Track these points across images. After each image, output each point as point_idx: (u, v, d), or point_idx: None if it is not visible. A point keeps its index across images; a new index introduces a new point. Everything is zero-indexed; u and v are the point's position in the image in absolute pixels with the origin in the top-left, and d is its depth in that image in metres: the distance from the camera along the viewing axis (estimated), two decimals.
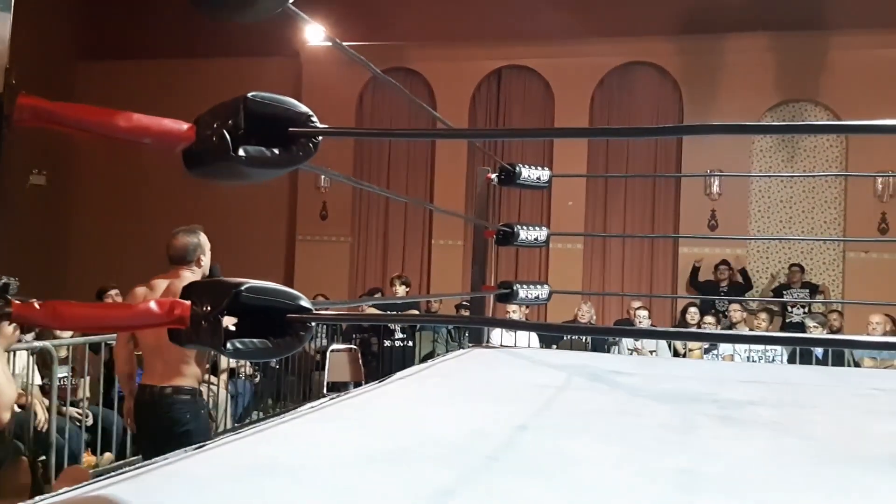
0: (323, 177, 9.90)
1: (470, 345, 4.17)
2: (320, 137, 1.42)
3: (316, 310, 1.46)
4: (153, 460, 1.61)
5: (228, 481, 1.51)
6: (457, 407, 2.48)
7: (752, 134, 8.81)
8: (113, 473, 1.51)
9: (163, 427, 3.41)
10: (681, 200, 9.29)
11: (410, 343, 7.13)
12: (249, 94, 1.35)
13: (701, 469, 1.84)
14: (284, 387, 7.15)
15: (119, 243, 10.73)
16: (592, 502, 1.55)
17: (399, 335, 6.87)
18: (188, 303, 1.34)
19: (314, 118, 1.41)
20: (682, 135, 8.86)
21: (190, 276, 3.53)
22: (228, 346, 1.31)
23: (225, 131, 1.31)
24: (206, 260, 3.62)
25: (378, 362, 7.14)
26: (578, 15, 9.12)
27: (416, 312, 7.63)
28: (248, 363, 6.62)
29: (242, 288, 1.34)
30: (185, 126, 1.35)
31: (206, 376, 4.62)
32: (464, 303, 7.60)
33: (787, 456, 2.01)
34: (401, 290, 7.63)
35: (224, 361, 6.15)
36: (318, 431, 2.04)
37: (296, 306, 1.41)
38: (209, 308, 1.32)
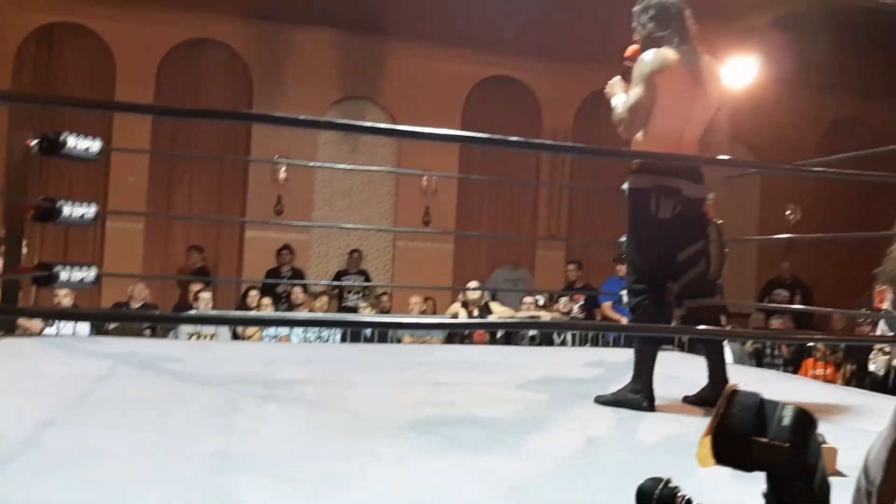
0: None
1: None
2: None
3: None
4: None
5: None
6: None
7: (309, 129, 9.19)
8: None
9: None
10: (248, 184, 9.33)
11: None
12: None
13: (238, 449, 1.86)
14: None
15: None
16: (113, 496, 1.44)
17: None
18: None
19: None
20: (236, 120, 8.89)
21: None
22: None
23: None
24: None
25: None
26: None
27: None
28: None
29: None
30: None
31: None
32: None
33: (322, 430, 2.12)
34: None
35: None
36: None
37: None
38: None
